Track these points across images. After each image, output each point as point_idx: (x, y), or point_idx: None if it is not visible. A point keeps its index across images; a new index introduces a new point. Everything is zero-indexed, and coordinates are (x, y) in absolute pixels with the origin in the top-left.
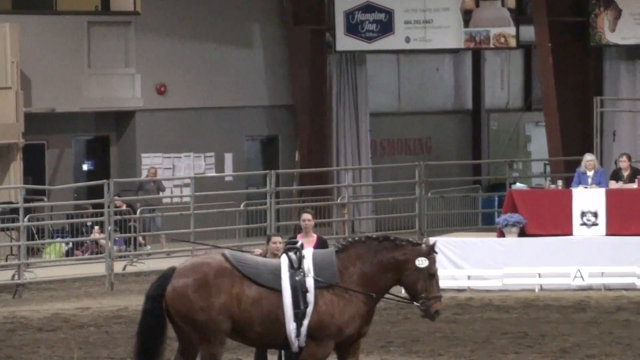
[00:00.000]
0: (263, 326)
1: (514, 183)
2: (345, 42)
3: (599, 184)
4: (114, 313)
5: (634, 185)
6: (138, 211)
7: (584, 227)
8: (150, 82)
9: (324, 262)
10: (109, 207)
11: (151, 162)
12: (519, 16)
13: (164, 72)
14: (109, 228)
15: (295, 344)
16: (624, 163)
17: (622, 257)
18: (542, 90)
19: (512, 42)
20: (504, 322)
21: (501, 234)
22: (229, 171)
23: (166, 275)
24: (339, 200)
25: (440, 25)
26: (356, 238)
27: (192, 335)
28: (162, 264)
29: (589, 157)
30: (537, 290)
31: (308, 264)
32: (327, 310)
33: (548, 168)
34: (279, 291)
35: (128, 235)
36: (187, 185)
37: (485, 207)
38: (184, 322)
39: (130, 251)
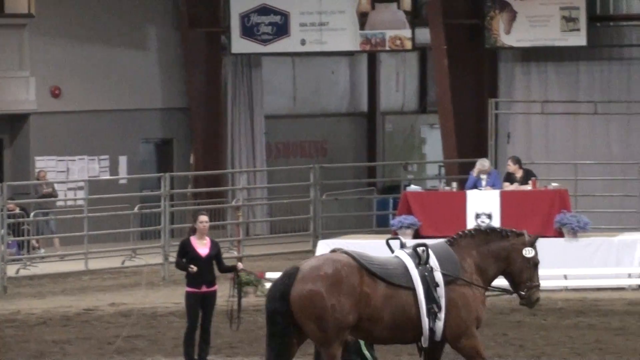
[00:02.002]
0: (394, 323)
1: (409, 185)
2: (240, 45)
3: (493, 185)
4: (6, 317)
5: (528, 187)
6: (31, 214)
7: None
8: (45, 84)
9: (445, 256)
10: (2, 210)
11: (45, 165)
12: (415, 19)
13: (59, 75)
14: (2, 231)
15: (428, 339)
16: (510, 167)
17: None
18: (437, 92)
19: (408, 45)
20: None
21: (396, 236)
22: (123, 174)
23: (290, 275)
24: (233, 203)
25: (335, 27)
26: (465, 231)
27: (314, 335)
28: (56, 267)
29: (485, 164)
30: None
31: (433, 259)
32: (463, 303)
33: (443, 170)
34: (409, 288)
35: (21, 238)
36: (81, 188)
37: (380, 209)
38: (310, 321)
39: (23, 254)
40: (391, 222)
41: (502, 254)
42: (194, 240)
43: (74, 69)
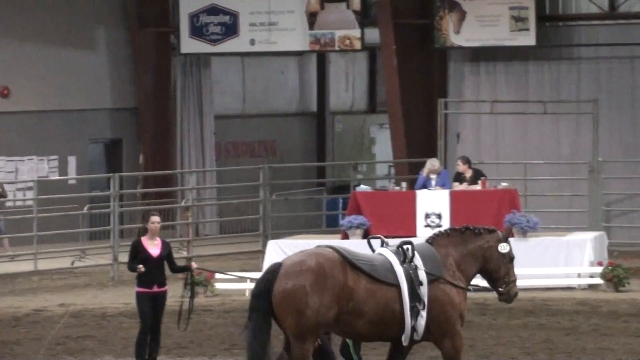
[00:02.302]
0: (377, 319)
1: (358, 185)
2: (189, 45)
3: (442, 185)
4: None
5: (477, 187)
6: None
7: (428, 228)
8: None
9: (428, 255)
10: None
11: None
12: (364, 18)
13: (7, 75)
14: None
15: (409, 337)
16: (459, 167)
17: None
18: (386, 92)
19: (357, 45)
20: None
21: (345, 236)
22: (72, 174)
23: (273, 271)
24: (183, 203)
25: (285, 27)
26: (441, 231)
27: (292, 329)
28: (5, 268)
29: (435, 164)
30: None
31: (417, 258)
32: (448, 301)
33: (392, 170)
34: (394, 285)
35: None
36: (30, 188)
37: (329, 209)
38: (290, 316)
39: None
40: (341, 222)
41: (479, 252)
42: (145, 241)
43: (22, 69)
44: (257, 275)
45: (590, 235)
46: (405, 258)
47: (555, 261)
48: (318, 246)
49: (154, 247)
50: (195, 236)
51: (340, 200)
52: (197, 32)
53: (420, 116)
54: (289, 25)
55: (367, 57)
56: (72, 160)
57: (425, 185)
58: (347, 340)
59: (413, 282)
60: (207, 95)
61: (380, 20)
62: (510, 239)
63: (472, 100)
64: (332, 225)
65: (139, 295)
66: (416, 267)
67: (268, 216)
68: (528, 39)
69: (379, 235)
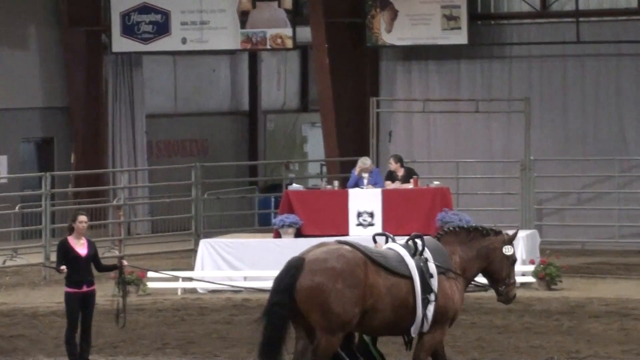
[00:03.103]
0: (393, 313)
1: (291, 184)
2: (121, 44)
3: (374, 184)
4: None
5: (410, 186)
6: None
7: (360, 227)
8: None
9: (436, 248)
10: None
11: None
12: (296, 17)
13: None
14: None
15: (418, 329)
16: (391, 165)
17: None
18: (318, 91)
19: (289, 43)
20: None
21: (278, 235)
22: (4, 173)
23: (297, 267)
24: (114, 202)
25: (216, 26)
26: (450, 228)
27: (319, 325)
28: None
29: (366, 162)
30: None
31: (426, 251)
32: (450, 295)
33: (324, 169)
34: (407, 277)
35: None
36: None
37: (261, 208)
38: (316, 312)
39: None
40: (273, 220)
41: (483, 251)
42: (72, 240)
43: None
44: (189, 274)
45: (522, 234)
46: (415, 251)
47: None
48: (335, 241)
49: (81, 247)
50: (127, 235)
51: (273, 199)
52: (129, 30)
53: (352, 115)
54: (221, 24)
55: (299, 55)
56: (3, 160)
57: (357, 184)
58: (365, 337)
59: (424, 274)
60: (138, 94)
61: (312, 19)
62: None
63: (404, 99)
64: (264, 224)
65: (68, 296)
66: (426, 259)
67: (200, 215)
68: (460, 37)
69: (384, 232)
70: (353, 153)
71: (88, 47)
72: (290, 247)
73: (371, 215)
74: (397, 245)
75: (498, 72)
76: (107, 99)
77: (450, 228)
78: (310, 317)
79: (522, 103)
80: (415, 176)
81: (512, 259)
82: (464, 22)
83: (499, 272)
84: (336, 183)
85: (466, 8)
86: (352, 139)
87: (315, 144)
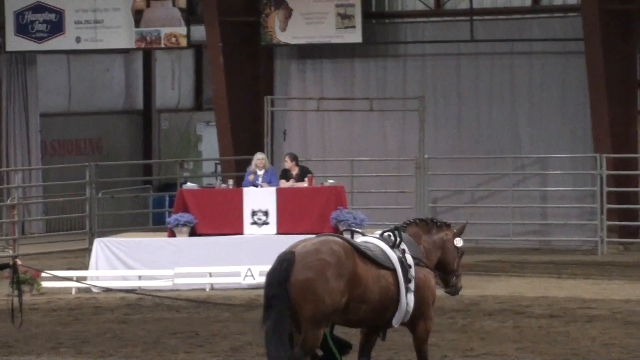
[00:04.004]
0: (380, 304)
1: (185, 183)
2: (15, 43)
3: (269, 182)
4: None
5: (304, 184)
6: None
7: (255, 226)
8: None
9: (408, 240)
10: None
11: None
12: (190, 16)
13: None
14: None
15: (400, 319)
16: (287, 164)
17: None
18: (212, 90)
19: (183, 42)
20: (175, 322)
21: (172, 234)
22: None
23: (289, 260)
24: (8, 202)
25: (111, 25)
26: (411, 220)
27: (309, 316)
28: None
29: (260, 156)
30: (208, 290)
31: (402, 242)
32: (427, 285)
33: (219, 167)
34: (391, 269)
35: None
36: None
37: (156, 207)
38: (308, 303)
39: None
40: (167, 220)
41: (439, 243)
42: None
43: None
44: (83, 273)
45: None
46: (394, 243)
47: None
48: (321, 234)
49: None
50: (21, 234)
51: (167, 198)
52: (23, 29)
53: (246, 114)
54: (115, 23)
55: (193, 54)
56: None
57: (252, 183)
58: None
59: (404, 266)
60: (32, 93)
61: (206, 17)
62: None
63: (299, 98)
64: (158, 223)
65: None
66: (404, 250)
67: (94, 214)
68: (354, 36)
69: (358, 230)
70: (247, 152)
71: None
72: (185, 246)
73: (266, 214)
74: (374, 239)
75: (392, 71)
76: (0, 98)
77: (411, 220)
78: (301, 309)
79: (416, 101)
80: (309, 175)
81: (461, 251)
82: (358, 20)
83: (451, 263)
84: (231, 182)
85: (360, 7)
86: (247, 138)
87: (209, 142)
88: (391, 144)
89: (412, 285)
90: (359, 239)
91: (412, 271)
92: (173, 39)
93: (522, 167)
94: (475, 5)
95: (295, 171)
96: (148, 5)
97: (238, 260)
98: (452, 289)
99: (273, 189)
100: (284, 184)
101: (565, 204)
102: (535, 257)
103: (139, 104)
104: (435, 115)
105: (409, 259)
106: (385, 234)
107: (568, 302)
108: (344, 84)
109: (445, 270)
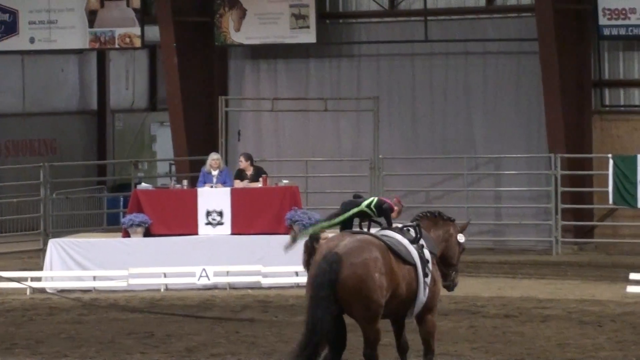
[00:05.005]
0: (406, 298)
1: (139, 183)
2: None
3: (224, 183)
4: None
5: (259, 185)
6: None
7: (210, 226)
8: None
9: (425, 235)
10: None
11: None
12: (144, 16)
13: None
14: None
15: (414, 313)
16: (242, 164)
17: (247, 256)
18: (167, 90)
19: (137, 42)
20: (129, 322)
21: (127, 234)
22: None
23: (335, 260)
24: None
25: (65, 25)
26: (422, 214)
27: (361, 314)
28: None
29: (214, 156)
30: (162, 290)
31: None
32: (438, 278)
33: (173, 168)
34: (412, 265)
35: None
36: None
37: (110, 207)
38: (359, 302)
39: None
40: (122, 220)
41: (445, 236)
42: None
43: None
44: (38, 274)
45: (372, 231)
46: (415, 238)
47: None
48: (354, 232)
49: None
50: None
51: (121, 199)
52: None
53: (201, 114)
54: (69, 24)
55: (147, 55)
56: None
57: (206, 181)
58: None
59: (423, 261)
60: None
61: (160, 18)
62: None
63: (253, 98)
64: (113, 224)
65: None
66: (422, 245)
67: (49, 215)
68: (308, 36)
69: (377, 220)
70: (202, 152)
71: None
72: (140, 246)
73: (220, 214)
74: (395, 233)
75: (347, 71)
76: None
77: (422, 214)
78: (353, 308)
79: (371, 102)
80: (264, 175)
81: (462, 247)
82: (312, 21)
83: (453, 257)
84: (185, 182)
85: (315, 7)
86: (201, 138)
87: (164, 143)
88: (346, 144)
89: (428, 280)
90: (378, 232)
91: (430, 266)
92: (127, 40)
93: (477, 167)
94: (430, 5)
95: (250, 171)
96: (102, 6)
97: (192, 260)
98: (450, 284)
99: (227, 190)
100: (238, 184)
101: (520, 204)
102: (490, 257)
103: (93, 104)
104: (389, 115)
105: (427, 254)
106: (405, 228)
107: (523, 302)
108: (299, 84)
109: (446, 264)
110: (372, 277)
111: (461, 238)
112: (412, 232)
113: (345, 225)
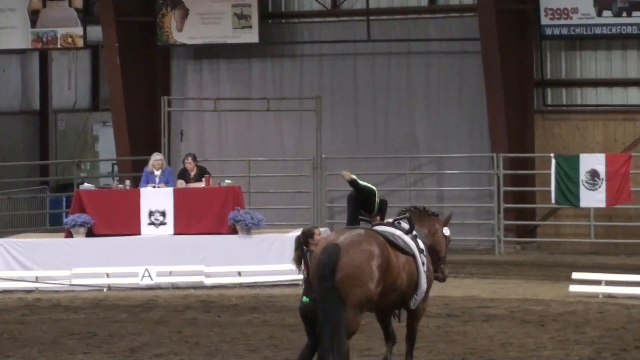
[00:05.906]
0: (407, 289)
1: (82, 183)
2: None
3: (167, 183)
4: None
5: (202, 184)
6: None
7: (152, 226)
8: None
9: (415, 227)
10: None
11: None
12: (87, 16)
13: None
14: None
15: (417, 302)
16: (189, 164)
17: (190, 256)
18: (109, 90)
19: (80, 42)
20: (72, 322)
21: (69, 234)
22: None
23: (335, 252)
24: None
25: (6, 25)
26: (411, 207)
27: (351, 304)
28: None
29: (157, 157)
30: (105, 290)
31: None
32: (430, 268)
33: (116, 168)
34: (411, 255)
35: None
36: None
37: (53, 207)
38: (356, 289)
39: None
40: (64, 220)
41: (432, 230)
42: None
43: None
44: None
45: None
46: (409, 229)
47: (280, 258)
48: (352, 227)
49: None
50: None
51: (64, 199)
52: None
53: (143, 114)
54: (11, 24)
55: (89, 55)
56: None
57: (149, 181)
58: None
59: (419, 249)
60: None
61: (102, 18)
62: (234, 236)
63: (196, 98)
64: (55, 224)
65: None
66: (416, 236)
67: None
68: (251, 36)
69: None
70: (145, 152)
71: None
72: (82, 246)
73: (163, 214)
74: (389, 227)
75: (289, 71)
76: None
77: (411, 207)
78: (347, 296)
79: (313, 101)
80: (207, 175)
81: (448, 239)
82: (254, 20)
83: (441, 250)
84: (128, 182)
85: (257, 7)
86: (144, 138)
87: (106, 143)
88: (288, 144)
89: (424, 269)
90: (374, 228)
91: (424, 256)
92: (69, 40)
93: (419, 167)
94: (372, 5)
95: (193, 171)
96: (44, 6)
97: (135, 260)
98: (440, 275)
99: (170, 190)
100: (181, 184)
101: (462, 203)
102: None
103: (36, 104)
104: (332, 115)
105: (421, 244)
106: (396, 221)
107: (465, 301)
108: (241, 84)
109: (435, 257)
110: (369, 265)
111: (446, 231)
112: (404, 224)
113: (352, 221)
